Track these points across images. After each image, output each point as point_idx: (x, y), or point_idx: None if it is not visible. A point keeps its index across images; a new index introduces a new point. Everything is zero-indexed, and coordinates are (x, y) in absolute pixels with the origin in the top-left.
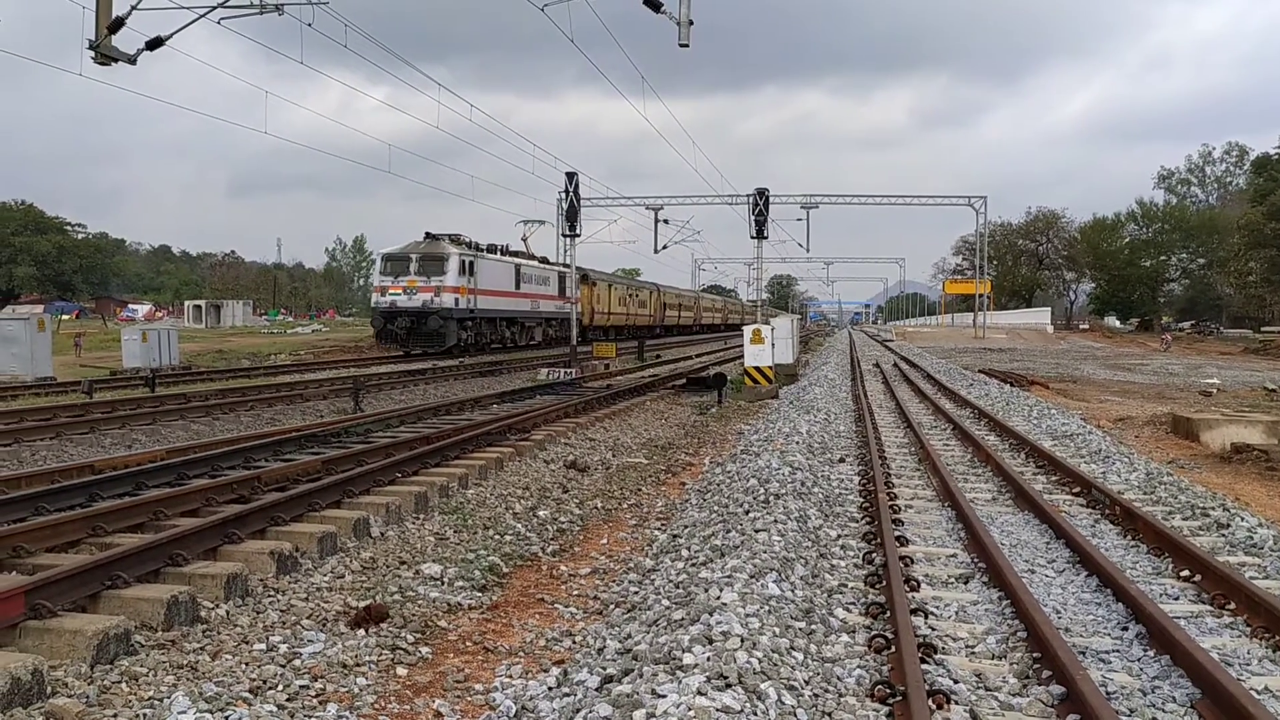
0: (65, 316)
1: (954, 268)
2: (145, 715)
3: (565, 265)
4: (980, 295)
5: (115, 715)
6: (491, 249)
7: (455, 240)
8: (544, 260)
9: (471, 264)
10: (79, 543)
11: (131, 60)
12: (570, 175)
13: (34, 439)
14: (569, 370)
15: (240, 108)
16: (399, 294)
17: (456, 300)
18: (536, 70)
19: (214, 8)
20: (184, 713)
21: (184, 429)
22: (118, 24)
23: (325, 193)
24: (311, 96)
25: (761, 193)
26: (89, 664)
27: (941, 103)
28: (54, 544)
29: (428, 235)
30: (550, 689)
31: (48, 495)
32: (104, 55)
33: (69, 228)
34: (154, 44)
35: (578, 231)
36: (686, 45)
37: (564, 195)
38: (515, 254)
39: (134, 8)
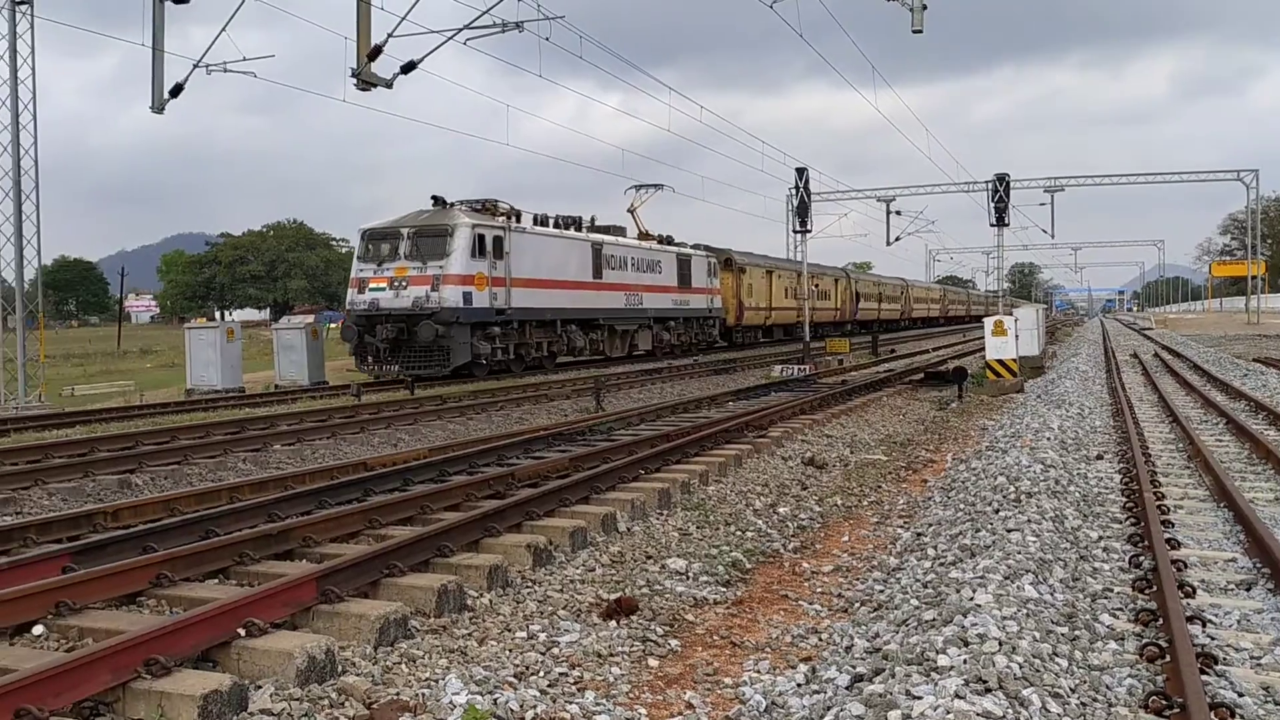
0: (333, 325)
1: (1222, 248)
2: (423, 695)
3: (691, 247)
4: (1253, 277)
5: (397, 693)
6: (562, 222)
7: (480, 207)
8: (663, 240)
9: (499, 241)
10: (358, 534)
11: (389, 84)
12: (800, 171)
13: (313, 439)
14: (802, 367)
15: (484, 122)
16: (382, 288)
17: (468, 296)
18: (764, 67)
19: (460, 29)
20: (457, 694)
21: (441, 429)
22: (376, 52)
23: (567, 199)
24: (549, 108)
25: (1001, 178)
26: (373, 645)
27: (1205, 70)
28: (337, 535)
29: (434, 200)
30: (799, 685)
31: (328, 490)
32: (364, 81)
33: (334, 242)
34: (408, 68)
35: (809, 227)
36: (920, 31)
37: (794, 191)
38: (605, 230)
39: (390, 35)
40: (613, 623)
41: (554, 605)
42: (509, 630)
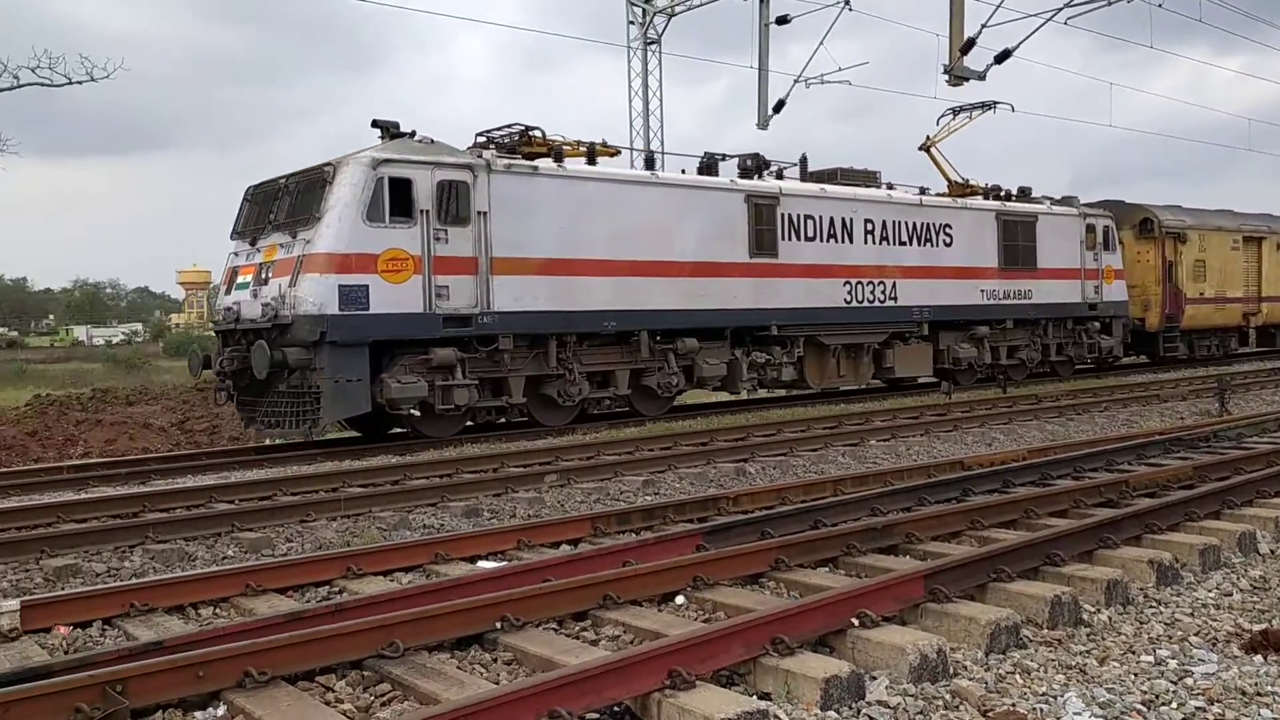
0: None
1: None
2: (1040, 710)
3: (1056, 200)
4: None
5: (1013, 704)
6: (758, 169)
7: (496, 141)
8: (988, 192)
9: (453, 192)
10: (959, 534)
11: (981, 76)
12: None
13: (907, 435)
14: None
15: (1081, 104)
16: (247, 284)
17: (354, 291)
18: None
19: (1060, 9)
20: (1079, 714)
21: (1038, 429)
22: (969, 45)
23: (1172, 179)
24: (1156, 80)
25: None
26: (983, 651)
27: None
28: (937, 534)
29: (375, 126)
30: None
31: (926, 488)
32: (956, 76)
33: None
34: (1002, 57)
35: None
36: None
37: None
38: (859, 183)
39: (984, 26)
40: (1258, 657)
41: (1184, 630)
42: (1132, 652)
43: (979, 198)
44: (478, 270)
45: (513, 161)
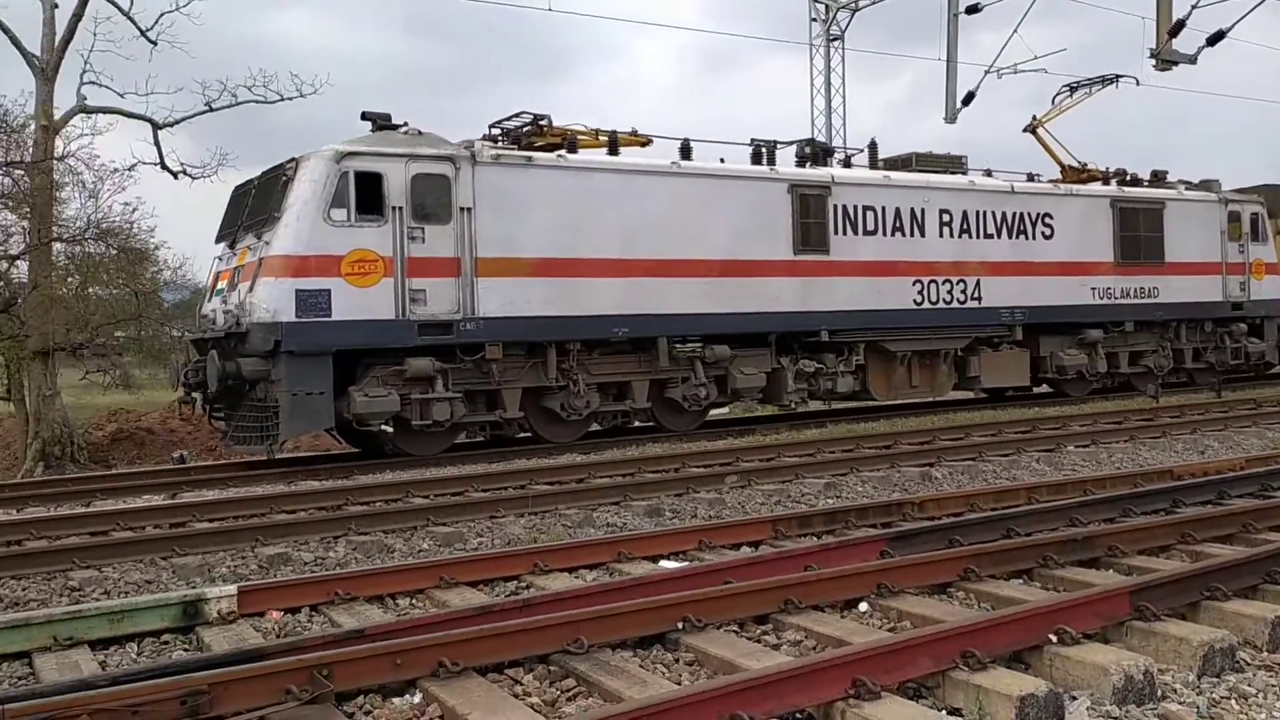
0: None
1: None
2: None
3: (1194, 185)
4: None
5: None
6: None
7: (505, 133)
8: (1103, 176)
9: (431, 187)
10: (1168, 548)
11: (1192, 60)
12: None
13: (1109, 441)
14: None
15: None
16: (220, 291)
17: (312, 297)
18: None
19: None
20: None
21: (1257, 436)
22: (1178, 27)
23: None
24: None
25: None
26: (1195, 674)
27: None
28: (1143, 547)
29: (364, 118)
30: None
31: (1131, 498)
32: (1164, 61)
33: None
34: (1215, 39)
35: None
36: None
37: None
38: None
39: (1194, 7)
40: None
41: None
42: None
43: (1098, 184)
44: (460, 272)
45: (502, 152)
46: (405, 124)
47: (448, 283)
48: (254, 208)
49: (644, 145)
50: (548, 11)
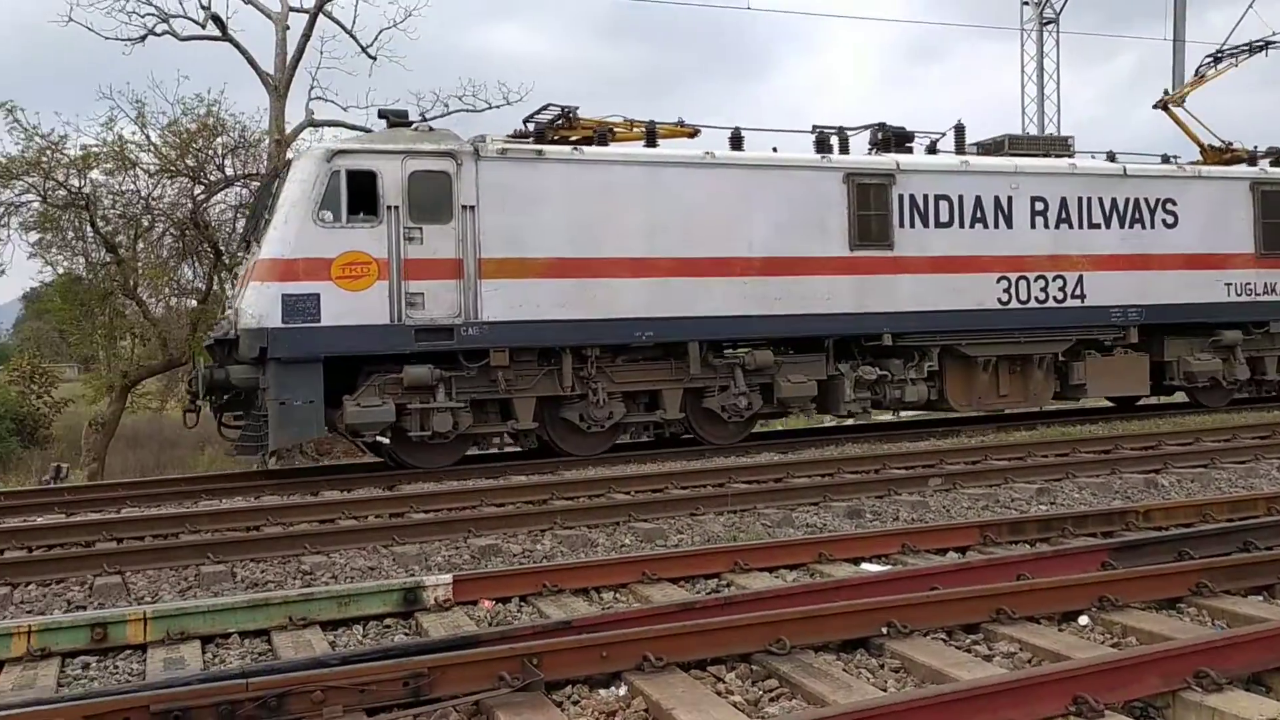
0: None
1: None
2: None
3: None
4: None
5: None
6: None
7: (533, 130)
8: (1236, 156)
9: (432, 184)
10: None
11: None
12: None
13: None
14: None
15: None
16: (237, 295)
17: (299, 303)
18: None
19: None
20: None
21: None
22: None
23: None
24: None
25: None
26: None
27: None
28: None
29: (381, 116)
30: None
31: None
32: None
33: None
34: None
35: None
36: None
37: None
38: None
39: None
40: None
41: None
42: None
43: (1242, 165)
44: (462, 274)
45: (509, 146)
46: (418, 120)
47: (448, 285)
48: (256, 210)
49: (691, 136)
50: (746, 10)
